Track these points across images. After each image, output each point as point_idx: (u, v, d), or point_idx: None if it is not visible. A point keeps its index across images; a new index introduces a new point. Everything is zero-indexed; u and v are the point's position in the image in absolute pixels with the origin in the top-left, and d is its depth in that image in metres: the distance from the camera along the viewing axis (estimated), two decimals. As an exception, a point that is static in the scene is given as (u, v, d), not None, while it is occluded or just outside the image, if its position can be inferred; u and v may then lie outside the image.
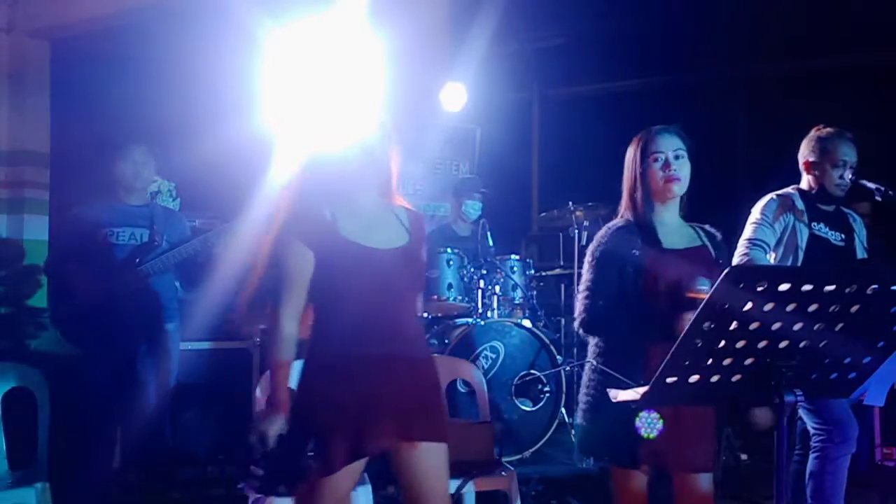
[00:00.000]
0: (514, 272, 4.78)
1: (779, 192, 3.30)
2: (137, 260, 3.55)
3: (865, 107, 6.29)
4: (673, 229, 2.46)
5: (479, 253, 4.72)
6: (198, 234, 3.73)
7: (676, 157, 2.41)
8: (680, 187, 2.42)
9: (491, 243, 4.84)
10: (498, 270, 4.69)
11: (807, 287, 1.57)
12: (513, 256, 4.89)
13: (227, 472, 4.05)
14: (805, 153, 3.31)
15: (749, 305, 1.57)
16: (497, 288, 4.66)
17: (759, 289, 1.55)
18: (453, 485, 3.00)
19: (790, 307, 1.59)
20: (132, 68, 5.16)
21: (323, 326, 2.28)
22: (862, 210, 4.20)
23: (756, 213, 3.25)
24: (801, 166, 3.32)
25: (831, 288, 1.59)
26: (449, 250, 4.66)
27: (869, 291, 1.63)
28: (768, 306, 1.58)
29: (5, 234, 5.64)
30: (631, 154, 2.48)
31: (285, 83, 4.40)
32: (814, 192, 3.27)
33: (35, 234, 5.67)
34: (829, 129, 3.28)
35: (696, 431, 2.35)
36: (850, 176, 3.20)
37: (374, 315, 2.24)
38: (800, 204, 3.23)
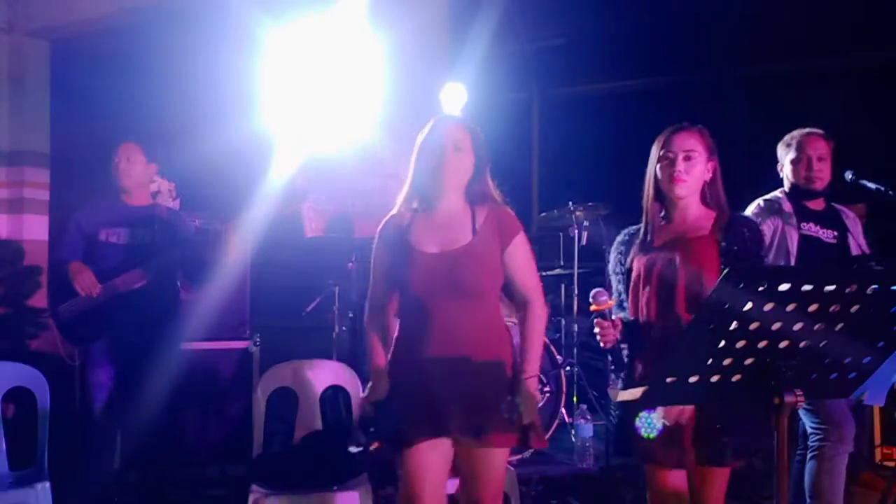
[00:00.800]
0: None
1: (765, 196, 3.32)
2: (138, 260, 3.55)
3: (865, 107, 6.29)
4: (676, 226, 2.46)
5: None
6: (199, 235, 3.74)
7: (687, 158, 2.38)
8: (683, 189, 2.40)
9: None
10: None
11: (807, 287, 1.57)
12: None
13: (227, 472, 4.05)
14: (779, 158, 3.37)
15: (749, 305, 1.57)
16: (497, 288, 4.66)
17: (759, 289, 1.55)
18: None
19: (790, 307, 1.59)
20: (132, 68, 5.16)
21: (402, 323, 2.45)
22: (858, 211, 4.22)
23: None
24: (779, 171, 3.38)
25: (831, 288, 1.59)
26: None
27: (869, 291, 1.63)
28: (768, 306, 1.58)
29: (5, 234, 5.64)
30: (652, 153, 2.49)
31: (285, 83, 4.40)
32: (796, 191, 3.29)
33: (35, 234, 5.67)
34: (795, 132, 3.35)
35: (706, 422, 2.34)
36: (818, 167, 3.23)
37: (433, 316, 2.33)
38: (787, 206, 3.25)
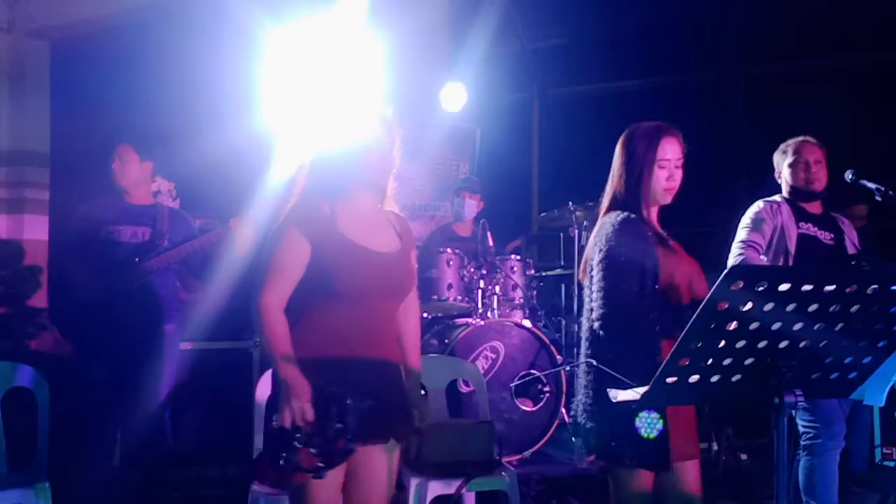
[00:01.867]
0: (513, 272, 4.78)
1: (767, 198, 3.42)
2: (137, 258, 3.56)
3: (865, 107, 6.29)
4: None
5: (479, 253, 4.72)
6: (200, 234, 3.74)
7: (677, 167, 2.43)
8: (672, 196, 2.46)
9: (490, 243, 4.84)
10: (498, 270, 4.69)
11: (807, 287, 1.57)
12: (513, 256, 4.89)
13: (227, 472, 4.05)
14: (776, 166, 3.49)
15: (749, 305, 1.57)
16: (497, 288, 4.66)
17: (759, 289, 1.55)
18: (453, 485, 3.01)
19: (790, 307, 1.59)
20: (132, 68, 5.16)
21: (313, 322, 2.25)
22: (859, 212, 4.25)
23: (746, 218, 3.37)
24: (777, 179, 3.49)
25: (831, 288, 1.59)
26: (449, 250, 4.66)
27: (869, 291, 1.63)
28: (768, 306, 1.58)
29: (5, 234, 5.64)
30: (634, 151, 2.44)
31: (285, 83, 4.40)
32: (795, 194, 3.39)
33: (35, 234, 5.66)
34: (790, 140, 3.47)
35: (680, 420, 2.35)
36: (815, 169, 3.34)
37: (368, 316, 2.25)
38: (786, 208, 3.34)
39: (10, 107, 5.69)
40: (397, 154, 2.36)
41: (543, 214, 5.58)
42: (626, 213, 2.39)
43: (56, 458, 3.24)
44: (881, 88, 6.34)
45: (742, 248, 3.27)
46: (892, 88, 6.21)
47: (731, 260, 3.27)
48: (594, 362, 2.35)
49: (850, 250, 3.35)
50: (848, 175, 3.42)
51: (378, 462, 2.27)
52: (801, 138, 3.45)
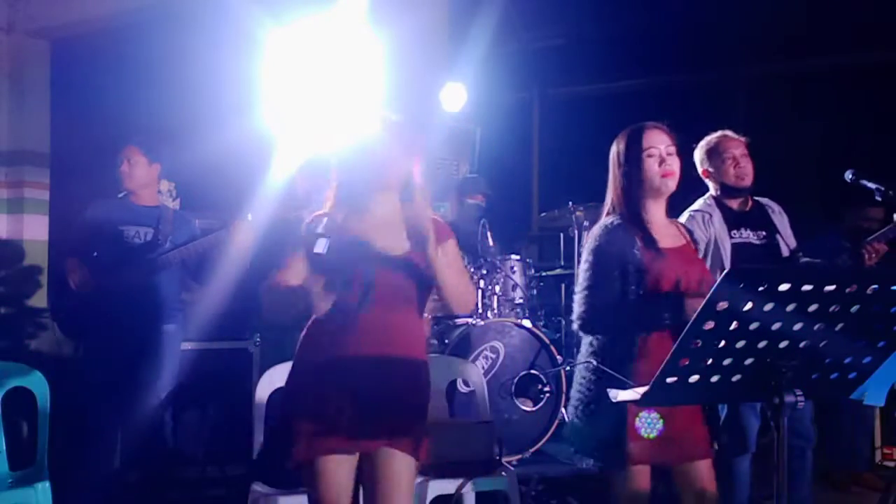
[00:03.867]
0: (513, 272, 4.78)
1: (694, 207, 3.29)
2: (140, 258, 3.56)
3: (865, 107, 6.30)
4: (662, 227, 2.46)
5: (479, 253, 4.72)
6: (201, 235, 3.74)
7: (669, 154, 2.41)
8: (674, 182, 2.42)
9: (491, 242, 4.84)
10: (498, 270, 4.69)
11: (807, 287, 1.57)
12: (513, 256, 4.89)
13: (227, 472, 4.04)
14: (700, 164, 3.35)
15: (749, 305, 1.57)
16: (497, 288, 4.66)
17: (759, 289, 1.55)
18: (453, 485, 3.01)
19: (790, 307, 1.59)
20: (132, 68, 5.16)
21: (318, 325, 2.31)
22: (874, 215, 4.12)
23: None
24: (703, 177, 3.35)
25: (831, 288, 1.59)
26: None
27: (869, 291, 1.63)
28: (768, 306, 1.58)
29: (5, 235, 5.64)
30: (620, 150, 2.47)
31: (285, 83, 4.39)
32: (724, 192, 3.28)
33: (35, 234, 5.67)
34: (708, 136, 3.34)
35: (687, 419, 2.36)
36: (743, 163, 3.23)
37: (371, 318, 2.24)
38: (717, 215, 3.23)
39: (10, 107, 5.70)
40: (409, 155, 2.37)
41: (543, 214, 5.57)
42: (611, 220, 2.43)
43: (56, 458, 3.24)
44: (881, 88, 6.34)
45: None
46: (892, 88, 6.21)
47: None
48: (594, 362, 2.36)
49: (783, 247, 3.25)
50: (848, 175, 3.39)
51: (398, 466, 2.24)
52: (721, 133, 3.32)
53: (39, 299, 5.19)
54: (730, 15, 6.51)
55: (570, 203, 5.10)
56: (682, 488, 2.44)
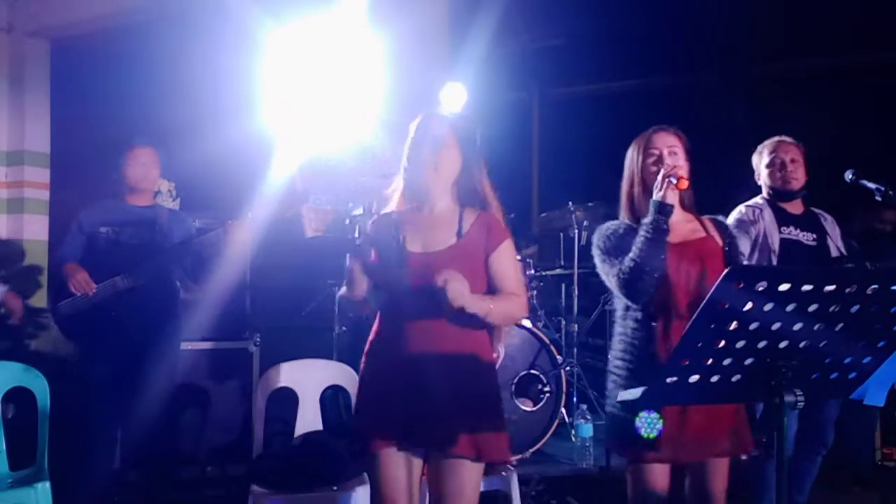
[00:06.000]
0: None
1: (747, 202, 3.41)
2: (139, 259, 3.56)
3: (865, 107, 6.30)
4: (675, 223, 2.45)
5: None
6: (199, 235, 3.74)
7: (671, 154, 2.46)
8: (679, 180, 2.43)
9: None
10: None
11: (807, 287, 1.57)
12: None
13: (227, 472, 4.05)
14: (755, 167, 3.48)
15: (749, 305, 1.57)
16: (497, 288, 4.65)
17: (759, 289, 1.55)
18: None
19: (790, 307, 1.59)
20: (132, 68, 5.16)
21: (379, 322, 2.37)
22: (889, 217, 4.13)
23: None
24: (757, 181, 3.47)
25: (831, 288, 1.59)
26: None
27: (869, 291, 1.63)
28: (768, 306, 1.58)
29: (5, 235, 5.64)
30: (630, 155, 2.55)
31: (285, 83, 4.40)
32: (774, 194, 3.38)
33: (35, 234, 5.67)
34: (766, 141, 3.45)
35: (710, 416, 2.36)
36: (791, 168, 3.32)
37: (408, 319, 2.25)
38: (768, 211, 3.33)
39: (10, 107, 5.70)
40: (471, 156, 2.37)
41: (543, 214, 5.57)
42: (610, 223, 2.53)
43: (56, 458, 3.24)
44: (880, 88, 6.34)
45: None
46: (891, 88, 6.21)
47: None
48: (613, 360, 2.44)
49: (833, 250, 3.33)
50: (848, 175, 3.40)
51: (462, 477, 2.22)
52: (776, 138, 3.43)
53: (39, 299, 5.19)
54: (729, 15, 6.51)
55: (570, 203, 5.10)
56: (692, 485, 2.46)
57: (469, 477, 2.22)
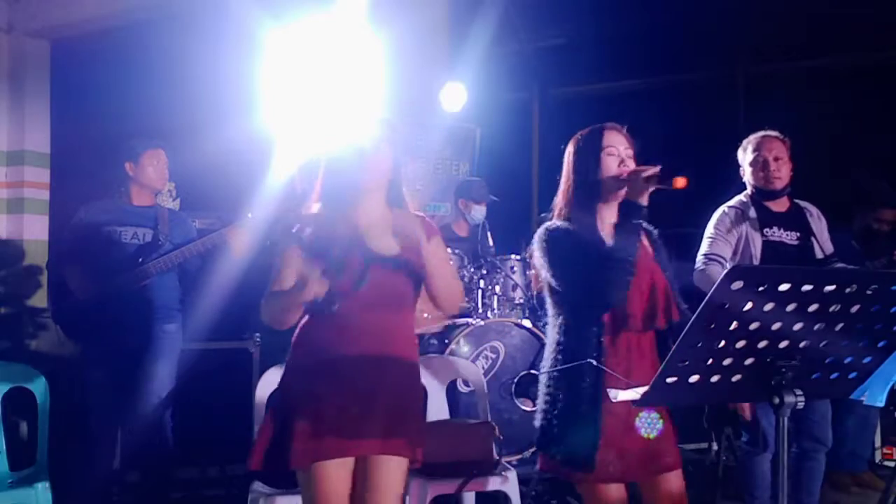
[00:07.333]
0: (513, 272, 4.77)
1: (729, 203, 3.30)
2: (140, 259, 3.56)
3: (865, 107, 6.29)
4: (612, 228, 2.34)
5: (479, 253, 4.71)
6: (200, 235, 3.74)
7: (628, 156, 2.34)
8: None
9: (491, 243, 4.83)
10: (498, 270, 4.69)
11: (807, 287, 1.57)
12: (513, 256, 4.88)
13: (227, 472, 4.04)
14: (740, 163, 3.34)
15: (749, 305, 1.57)
16: (497, 288, 4.66)
17: (760, 289, 1.55)
18: (453, 485, 3.01)
19: (790, 307, 1.59)
20: (132, 68, 5.16)
21: (311, 326, 2.28)
22: (887, 217, 4.08)
23: (710, 227, 3.25)
24: (742, 176, 3.34)
25: (831, 288, 1.59)
26: (448, 250, 4.65)
27: (869, 291, 1.63)
28: (768, 306, 1.57)
29: (5, 235, 5.64)
30: (577, 150, 2.42)
31: (285, 83, 4.40)
32: (757, 193, 3.26)
33: (35, 234, 5.67)
34: (751, 135, 3.31)
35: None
36: (774, 167, 3.19)
37: (365, 317, 2.22)
38: (751, 211, 3.22)
39: (10, 107, 5.70)
40: (401, 156, 2.36)
41: (543, 215, 5.55)
42: (556, 224, 2.37)
43: (56, 458, 3.24)
44: (881, 88, 6.34)
45: (704, 262, 3.17)
46: (892, 88, 6.21)
47: (696, 274, 3.19)
48: (593, 362, 2.29)
49: (817, 250, 3.22)
50: (850, 175, 3.40)
51: (390, 474, 2.22)
52: (761, 133, 3.28)
53: (39, 299, 5.19)
54: (729, 15, 6.51)
55: (570, 203, 5.06)
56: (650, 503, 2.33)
57: (400, 475, 2.24)
